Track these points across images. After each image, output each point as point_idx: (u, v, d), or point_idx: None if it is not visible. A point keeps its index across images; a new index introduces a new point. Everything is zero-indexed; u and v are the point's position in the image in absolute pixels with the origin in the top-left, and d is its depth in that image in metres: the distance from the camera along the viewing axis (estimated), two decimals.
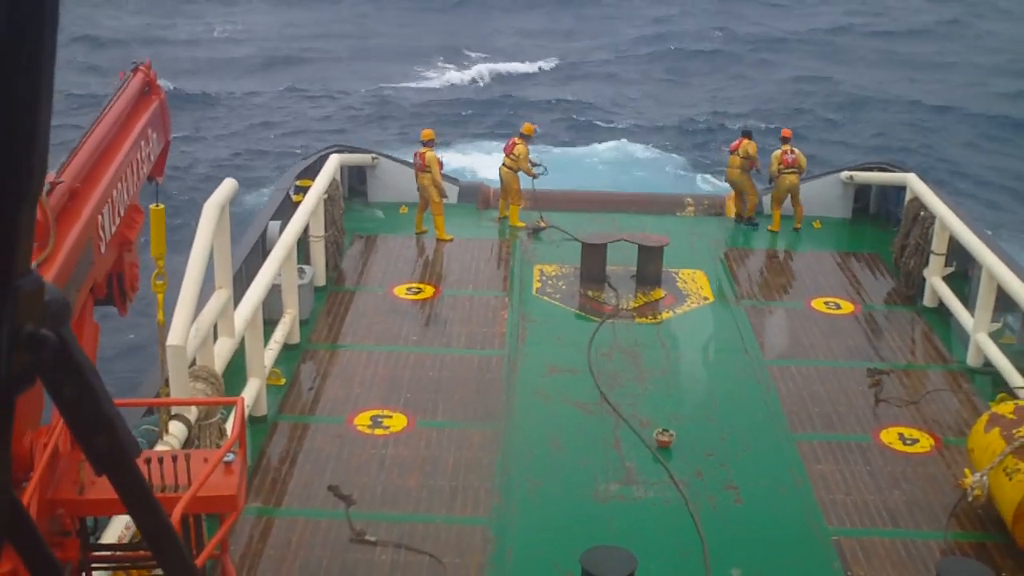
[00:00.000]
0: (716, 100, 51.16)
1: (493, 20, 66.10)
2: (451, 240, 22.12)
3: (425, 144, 22.08)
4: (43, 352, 1.79)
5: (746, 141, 23.22)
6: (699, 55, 59.33)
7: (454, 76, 54.51)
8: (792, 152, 23.05)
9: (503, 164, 23.10)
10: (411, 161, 22.54)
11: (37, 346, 1.78)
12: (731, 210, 23.92)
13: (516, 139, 23.00)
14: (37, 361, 1.79)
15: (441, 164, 22.24)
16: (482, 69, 55.30)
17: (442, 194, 22.03)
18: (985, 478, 13.14)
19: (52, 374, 1.84)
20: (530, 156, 22.93)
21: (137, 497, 2.16)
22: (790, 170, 22.94)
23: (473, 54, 57.66)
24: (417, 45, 58.62)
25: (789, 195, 23.05)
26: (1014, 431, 13.10)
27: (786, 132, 23.65)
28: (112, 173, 10.18)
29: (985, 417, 13.89)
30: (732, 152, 23.45)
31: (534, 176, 22.86)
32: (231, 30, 63.42)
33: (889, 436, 15.60)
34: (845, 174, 23.92)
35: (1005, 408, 13.91)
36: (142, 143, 11.36)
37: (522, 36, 61.92)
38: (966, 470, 13.80)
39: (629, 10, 70.41)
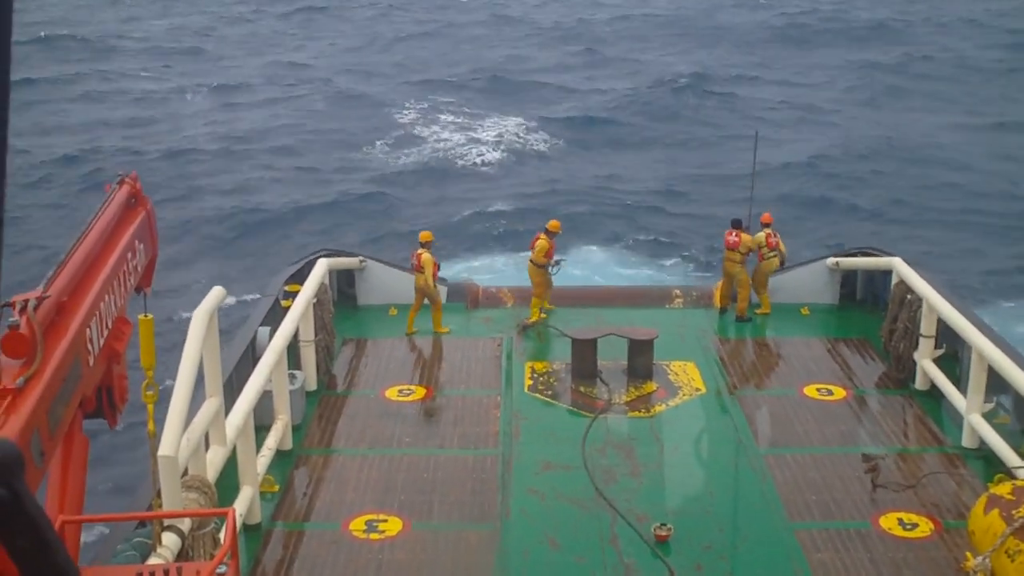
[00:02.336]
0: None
1: None
2: (448, 332, 22.32)
3: (423, 245, 22.31)
4: None
5: (745, 235, 22.92)
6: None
7: None
8: (775, 235, 23.23)
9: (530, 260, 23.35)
10: (396, 264, 22.74)
11: None
12: (719, 300, 23.95)
13: (541, 234, 23.19)
14: None
15: (437, 266, 22.45)
16: None
17: (435, 294, 22.35)
18: (987, 561, 13.01)
19: (5, 527, 1.81)
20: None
21: None
22: (772, 253, 23.11)
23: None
24: None
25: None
26: (1013, 512, 13.01)
27: (767, 217, 23.78)
28: (99, 286, 10.21)
29: (984, 499, 13.80)
30: (733, 248, 22.99)
31: (544, 267, 22.96)
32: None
33: (888, 522, 15.49)
34: (831, 260, 24.05)
35: (1003, 489, 13.82)
36: (129, 255, 11.41)
37: None
38: (968, 553, 13.67)
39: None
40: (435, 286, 22.33)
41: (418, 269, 22.18)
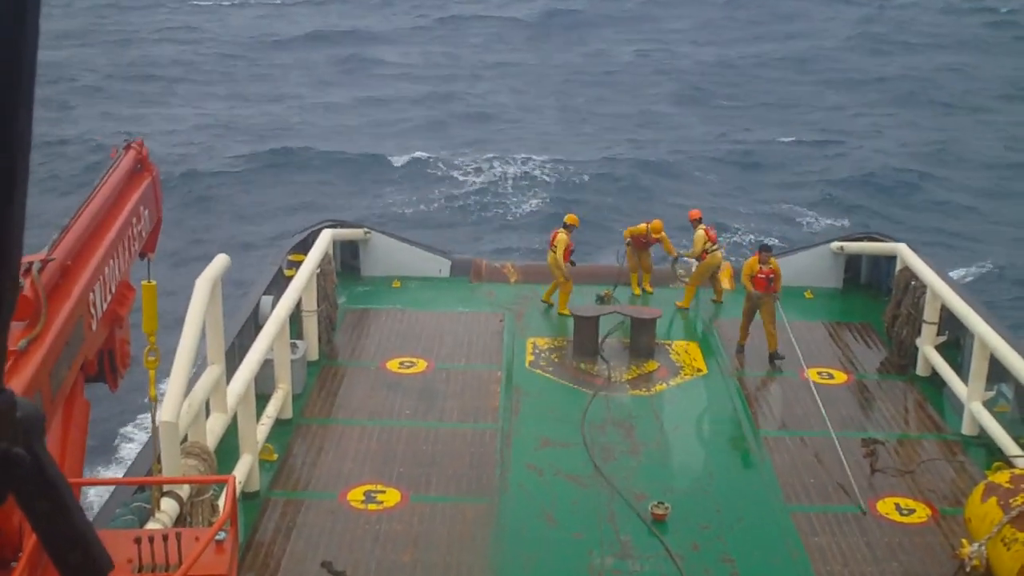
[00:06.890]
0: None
1: None
2: (568, 314, 22.07)
3: (564, 226, 22.49)
4: (15, 470, 1.75)
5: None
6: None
7: None
8: (713, 228, 23.16)
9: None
10: (400, 236, 22.78)
11: (8, 465, 1.74)
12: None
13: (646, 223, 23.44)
14: (9, 478, 1.75)
15: (570, 249, 22.38)
16: None
17: (565, 275, 22.17)
18: (983, 548, 13.05)
19: (25, 490, 1.80)
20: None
21: None
22: (715, 247, 22.87)
23: None
24: None
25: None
26: (1011, 500, 13.03)
27: (696, 212, 23.53)
28: (104, 250, 10.21)
29: (981, 486, 13.83)
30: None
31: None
32: None
33: (885, 506, 15.51)
34: (835, 244, 24.01)
35: (1001, 477, 13.85)
36: (134, 220, 11.40)
37: None
38: (963, 540, 13.71)
39: None
40: (565, 267, 22.18)
41: (551, 246, 22.33)
